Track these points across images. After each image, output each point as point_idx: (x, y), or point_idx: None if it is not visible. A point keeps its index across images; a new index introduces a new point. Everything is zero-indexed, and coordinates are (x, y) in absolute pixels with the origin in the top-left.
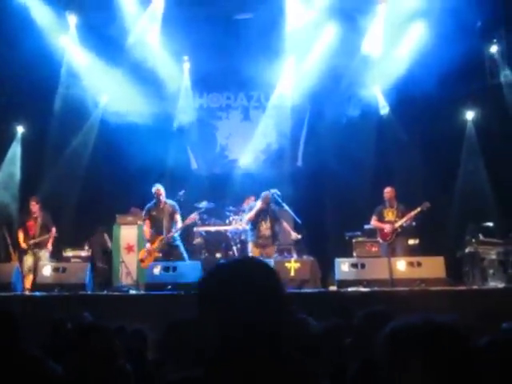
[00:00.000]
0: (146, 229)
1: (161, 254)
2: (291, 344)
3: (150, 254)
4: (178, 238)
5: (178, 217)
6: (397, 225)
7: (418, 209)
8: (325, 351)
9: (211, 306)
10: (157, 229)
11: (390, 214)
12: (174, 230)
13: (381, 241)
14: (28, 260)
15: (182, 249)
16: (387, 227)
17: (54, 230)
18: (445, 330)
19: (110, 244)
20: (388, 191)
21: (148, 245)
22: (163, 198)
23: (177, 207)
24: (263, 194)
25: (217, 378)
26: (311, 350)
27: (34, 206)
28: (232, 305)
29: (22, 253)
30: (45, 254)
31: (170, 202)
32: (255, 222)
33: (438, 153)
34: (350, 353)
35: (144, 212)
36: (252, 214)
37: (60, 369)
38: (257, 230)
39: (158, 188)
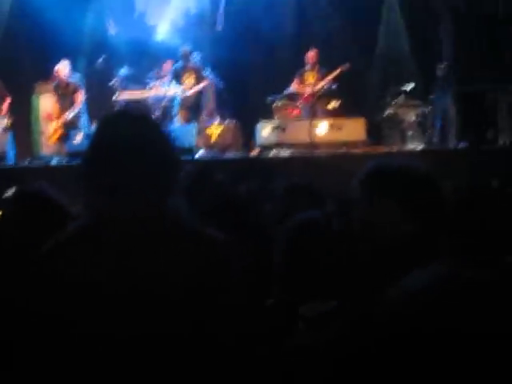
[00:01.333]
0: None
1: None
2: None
3: (55, 132)
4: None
5: (78, 95)
6: (317, 88)
7: (338, 69)
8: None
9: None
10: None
11: (310, 77)
12: (71, 113)
13: (302, 104)
14: None
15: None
16: (307, 90)
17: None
18: (421, 173)
19: None
20: (311, 54)
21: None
22: (65, 76)
23: (80, 85)
24: (181, 50)
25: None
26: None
27: None
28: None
29: None
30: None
31: (74, 79)
32: (177, 83)
33: (358, 16)
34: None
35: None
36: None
37: None
38: (180, 93)
39: (58, 68)
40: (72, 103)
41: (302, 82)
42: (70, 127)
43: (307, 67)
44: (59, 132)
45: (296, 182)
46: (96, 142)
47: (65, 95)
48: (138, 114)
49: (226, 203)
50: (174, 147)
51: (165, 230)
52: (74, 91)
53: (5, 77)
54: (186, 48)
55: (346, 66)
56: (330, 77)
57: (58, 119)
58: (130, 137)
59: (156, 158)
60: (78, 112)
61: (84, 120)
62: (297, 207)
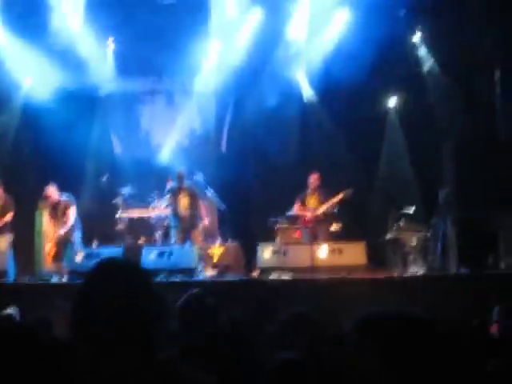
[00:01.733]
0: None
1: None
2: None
3: (50, 250)
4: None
5: (69, 212)
6: (318, 212)
7: (340, 195)
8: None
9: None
10: (55, 224)
11: (312, 201)
12: (63, 229)
13: (303, 227)
14: None
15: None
16: (309, 214)
17: (11, 214)
18: (417, 323)
19: None
20: (313, 178)
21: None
22: (56, 196)
23: (71, 202)
24: (176, 171)
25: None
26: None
27: None
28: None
29: None
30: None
31: (65, 197)
32: (173, 204)
33: (361, 138)
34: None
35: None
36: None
37: None
38: (176, 213)
39: (47, 191)
40: (65, 220)
41: (303, 204)
42: (63, 243)
43: (309, 190)
44: (54, 250)
45: (295, 311)
46: (84, 291)
47: (56, 213)
48: (126, 264)
49: (219, 336)
50: (158, 297)
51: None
52: (65, 208)
53: (10, 191)
54: (181, 169)
55: (348, 192)
56: (332, 202)
57: (52, 237)
58: (115, 289)
59: (141, 309)
60: (71, 228)
61: (77, 236)
62: (293, 337)
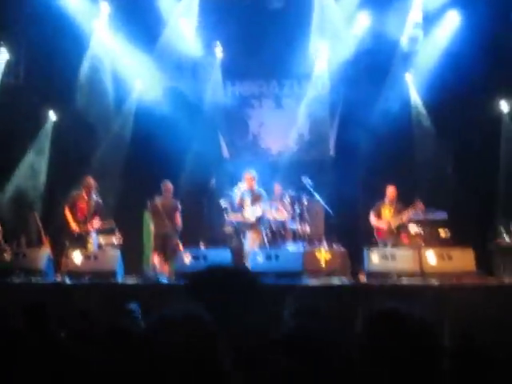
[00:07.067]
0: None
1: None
2: None
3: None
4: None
5: (177, 214)
6: (393, 225)
7: (411, 209)
8: None
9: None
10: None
11: (387, 212)
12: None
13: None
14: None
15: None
16: (383, 226)
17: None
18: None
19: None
20: (390, 191)
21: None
22: (170, 193)
23: (179, 206)
24: (244, 173)
25: None
26: None
27: (90, 186)
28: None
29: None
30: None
31: (174, 200)
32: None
33: (469, 144)
34: None
35: (149, 205)
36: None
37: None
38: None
39: (166, 184)
40: (175, 222)
41: (378, 215)
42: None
43: (385, 201)
44: (162, 252)
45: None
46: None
47: (162, 212)
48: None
49: None
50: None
51: None
52: (174, 211)
53: (120, 194)
54: (246, 172)
55: (418, 206)
56: (404, 216)
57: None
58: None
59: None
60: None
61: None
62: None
